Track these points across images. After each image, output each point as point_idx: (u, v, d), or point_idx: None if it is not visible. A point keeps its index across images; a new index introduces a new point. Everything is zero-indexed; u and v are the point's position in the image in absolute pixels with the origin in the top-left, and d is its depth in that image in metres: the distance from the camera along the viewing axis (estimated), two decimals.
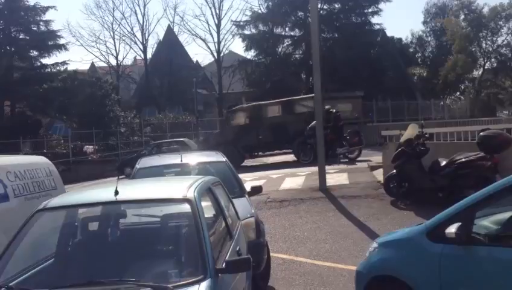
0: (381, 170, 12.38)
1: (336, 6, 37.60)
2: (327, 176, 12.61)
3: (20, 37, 36.63)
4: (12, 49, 36.12)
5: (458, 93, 50.48)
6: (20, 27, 36.25)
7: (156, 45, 44.84)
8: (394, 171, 10.25)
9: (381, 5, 36.87)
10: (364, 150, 19.05)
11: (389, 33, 42.90)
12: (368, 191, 11.44)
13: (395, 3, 70.57)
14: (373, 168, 14.43)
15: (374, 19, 37.65)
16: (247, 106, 22.79)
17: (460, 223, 3.63)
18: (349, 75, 32.78)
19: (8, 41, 35.75)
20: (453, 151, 9.70)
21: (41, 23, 36.75)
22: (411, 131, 10.28)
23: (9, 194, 4.96)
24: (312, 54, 13.81)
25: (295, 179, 14.53)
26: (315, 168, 12.96)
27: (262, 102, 22.75)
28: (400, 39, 49.43)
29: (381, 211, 9.65)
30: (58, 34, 37.56)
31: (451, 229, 3.64)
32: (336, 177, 13.90)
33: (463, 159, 9.22)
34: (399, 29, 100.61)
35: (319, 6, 33.19)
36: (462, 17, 48.04)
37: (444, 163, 9.49)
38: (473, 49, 46.98)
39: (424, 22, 52.16)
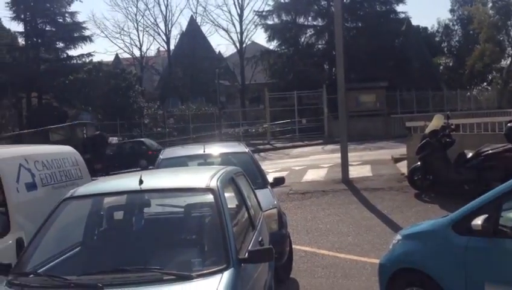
0: (405, 162, 12.24)
1: None
2: (350, 168, 12.53)
3: (47, 28, 37.27)
4: (39, 40, 36.81)
5: (485, 83, 49.34)
6: (47, 19, 36.89)
7: (179, 36, 45.04)
8: (419, 163, 10.12)
9: None
10: (389, 142, 18.86)
11: (414, 22, 42.16)
12: (392, 183, 11.33)
13: None
14: (397, 160, 14.27)
15: (399, 8, 37.02)
16: None
17: (486, 215, 3.56)
18: (373, 66, 32.33)
19: (34, 33, 36.44)
20: (479, 143, 9.52)
21: (66, 14, 37.34)
22: (436, 122, 10.11)
23: (37, 183, 5.06)
24: (335, 44, 13.67)
25: (318, 171, 14.48)
26: (338, 160, 12.89)
27: None
28: (426, 28, 48.50)
29: (405, 203, 9.55)
30: (84, 25, 38.19)
31: (478, 221, 3.58)
32: (359, 169, 13.80)
33: (490, 151, 9.04)
34: (425, 18, 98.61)
35: None
36: (490, 5, 46.77)
37: (470, 155, 9.32)
38: (501, 38, 45.73)
39: (451, 10, 51.01)
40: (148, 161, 21.82)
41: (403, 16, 37.34)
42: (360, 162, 15.28)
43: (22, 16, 36.22)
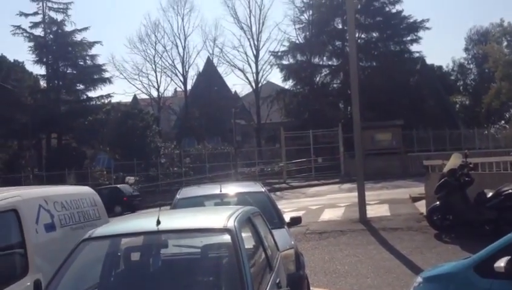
0: (423, 201, 12.06)
1: (374, 35, 37.59)
2: (367, 207, 12.39)
3: (68, 71, 38.36)
4: (60, 83, 37.85)
5: (503, 121, 48.95)
6: (68, 62, 38.04)
7: (195, 77, 45.90)
8: (437, 202, 9.96)
9: (421, 33, 36.65)
10: (406, 181, 18.66)
11: (428, 61, 42.42)
12: (410, 223, 11.14)
13: (434, 30, 70.09)
14: (415, 199, 14.07)
15: (413, 47, 37.39)
16: None
17: (510, 257, 3.48)
18: (389, 104, 32.43)
19: (56, 76, 37.52)
20: (499, 182, 9.37)
21: (87, 57, 38.47)
22: (454, 161, 10.00)
23: (56, 224, 5.10)
24: (350, 83, 13.79)
25: (334, 211, 14.33)
26: (355, 199, 12.76)
27: None
28: (440, 67, 48.75)
29: (425, 244, 9.35)
30: (103, 68, 39.22)
31: (501, 263, 3.49)
32: (377, 208, 13.62)
33: (510, 191, 8.88)
34: (439, 57, 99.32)
35: (357, 35, 33.27)
36: (505, 43, 46.98)
37: (490, 194, 9.16)
38: None
39: (466, 49, 51.36)
40: (123, 207, 22.07)
41: (417, 55, 37.70)
42: (378, 201, 15.10)
43: (45, 60, 37.42)
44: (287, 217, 7.14)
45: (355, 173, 12.97)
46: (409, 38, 37.03)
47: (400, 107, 32.53)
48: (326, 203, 16.29)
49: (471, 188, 9.65)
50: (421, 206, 12.28)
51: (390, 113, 30.73)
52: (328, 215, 13.63)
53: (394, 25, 36.48)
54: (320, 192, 21.27)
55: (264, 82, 42.45)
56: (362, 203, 12.11)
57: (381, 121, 29.27)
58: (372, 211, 12.81)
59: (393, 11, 36.78)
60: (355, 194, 12.57)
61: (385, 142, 28.83)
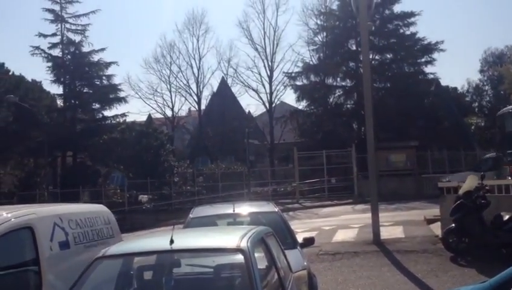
0: (438, 224, 11.90)
1: (388, 56, 37.60)
2: (381, 228, 12.25)
3: (84, 91, 38.93)
4: (77, 102, 38.37)
5: None
6: (85, 81, 38.62)
7: (210, 96, 46.24)
8: (453, 225, 9.82)
9: (435, 55, 36.56)
10: (421, 202, 18.46)
11: (443, 82, 42.26)
12: (425, 245, 10.98)
13: (449, 52, 69.89)
14: (430, 221, 13.88)
15: (428, 69, 37.23)
16: None
17: None
18: (403, 125, 32.25)
19: (72, 95, 38.08)
20: None
21: (104, 77, 39.01)
22: (470, 183, 9.88)
23: (70, 242, 5.14)
24: (364, 104, 13.79)
25: (348, 232, 14.19)
26: (369, 220, 12.63)
27: None
28: (455, 88, 48.57)
29: (440, 267, 9.20)
30: (119, 87, 39.69)
31: None
32: (391, 230, 13.46)
33: None
34: (454, 78, 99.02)
35: (371, 56, 33.34)
36: None
37: (507, 217, 9.03)
38: None
39: (481, 71, 51.18)
40: None
41: (432, 76, 37.52)
42: (392, 222, 14.93)
43: (62, 79, 38.03)
44: (299, 238, 7.10)
45: (369, 194, 12.87)
46: (423, 60, 36.94)
47: (414, 128, 32.31)
48: (340, 224, 16.15)
49: (488, 210, 9.51)
50: (436, 229, 12.11)
51: (404, 134, 30.53)
52: (341, 236, 13.50)
53: (408, 46, 36.46)
54: (334, 213, 21.10)
55: (278, 102, 42.63)
56: (376, 225, 11.99)
57: (396, 142, 29.09)
58: (386, 233, 12.66)
59: (408, 33, 36.82)
60: (369, 215, 12.45)
61: (399, 163, 28.59)
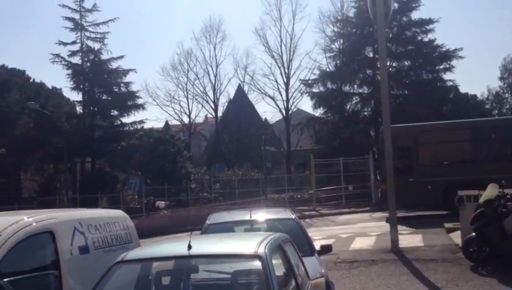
0: (458, 233, 11.72)
1: (406, 63, 37.35)
2: (400, 237, 12.12)
3: (103, 98, 39.46)
4: (95, 109, 38.90)
5: None
6: (103, 89, 39.15)
7: (226, 104, 46.45)
8: (473, 233, 9.67)
9: (454, 62, 36.19)
10: (440, 211, 18.20)
11: (462, 89, 41.75)
12: (445, 254, 10.83)
13: (468, 59, 69.09)
14: (449, 230, 13.68)
15: (446, 76, 36.86)
16: None
17: None
18: None
19: (91, 102, 38.62)
20: None
21: (122, 84, 39.51)
22: (491, 191, 9.73)
23: (90, 247, 5.19)
24: (382, 111, 13.70)
25: (365, 240, 14.07)
26: (387, 228, 12.51)
27: None
28: (475, 95, 47.93)
29: (460, 276, 9.05)
30: (137, 94, 40.14)
31: None
32: (409, 238, 13.31)
33: None
34: (473, 85, 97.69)
35: (388, 63, 33.14)
36: None
37: None
38: None
39: (501, 78, 50.48)
40: None
41: (450, 83, 37.13)
42: (411, 231, 14.75)
43: (81, 86, 38.62)
44: (317, 245, 7.07)
45: (387, 202, 12.74)
46: (441, 67, 36.60)
47: None
48: (357, 231, 16.01)
49: (509, 219, 9.35)
50: (456, 237, 11.94)
51: None
52: (359, 244, 13.39)
53: (426, 53, 36.17)
54: (351, 220, 20.94)
55: (295, 109, 42.60)
56: (394, 233, 11.86)
57: None
58: (405, 241, 12.52)
59: (426, 40, 36.54)
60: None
61: None
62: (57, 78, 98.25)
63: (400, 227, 12.47)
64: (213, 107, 44.83)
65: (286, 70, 41.46)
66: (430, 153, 18.32)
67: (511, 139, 17.49)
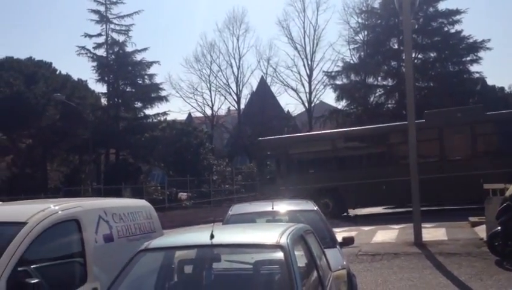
0: (483, 226, 11.55)
1: (431, 55, 36.69)
2: (423, 230, 11.98)
3: (127, 89, 39.88)
4: (120, 100, 39.35)
5: None
6: (127, 81, 39.55)
7: (249, 96, 46.49)
8: (499, 227, 9.51)
9: (481, 54, 35.38)
10: (464, 204, 17.92)
11: (490, 81, 40.78)
12: (469, 248, 10.68)
13: (496, 50, 67.51)
14: (474, 224, 13.48)
15: (473, 68, 36.07)
16: None
17: None
18: None
19: (116, 94, 39.08)
20: None
21: (146, 76, 39.84)
22: None
23: (114, 235, 5.27)
24: (406, 103, 13.52)
25: (388, 233, 13.96)
26: (410, 221, 12.38)
27: None
28: (502, 88, 46.76)
29: (485, 271, 8.92)
30: (161, 86, 40.45)
31: None
32: (433, 232, 13.15)
33: None
34: (501, 78, 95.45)
35: (414, 55, 32.60)
36: None
37: None
38: None
39: None
40: None
41: (477, 75, 36.32)
42: (434, 224, 14.57)
43: (106, 78, 39.10)
44: (338, 237, 7.05)
45: (411, 195, 12.60)
46: (468, 58, 35.82)
47: None
48: (379, 224, 15.90)
49: None
50: (481, 231, 11.76)
51: None
52: (381, 237, 13.30)
53: (453, 45, 35.45)
54: (373, 213, 20.78)
55: (317, 102, 42.38)
56: (417, 226, 11.74)
57: None
58: (428, 235, 12.38)
59: (452, 31, 35.80)
60: (410, 216, 12.20)
61: None
62: (83, 70, 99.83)
63: (422, 220, 12.33)
64: (235, 99, 44.97)
65: (309, 62, 41.31)
66: (297, 162, 20.18)
67: (364, 148, 19.94)
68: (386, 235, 13.56)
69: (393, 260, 10.30)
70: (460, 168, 17.37)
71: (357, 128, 22.41)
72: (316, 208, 7.49)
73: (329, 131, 25.01)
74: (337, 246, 6.56)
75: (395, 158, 18.54)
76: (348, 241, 6.87)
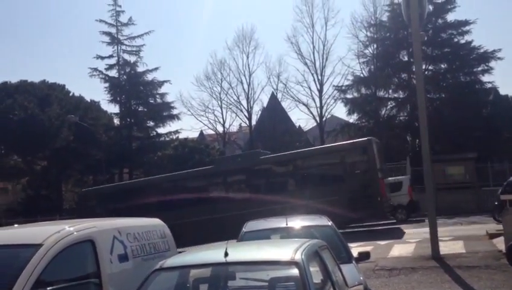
0: (502, 238, 11.33)
1: (442, 66, 36.59)
2: (440, 243, 11.82)
3: (139, 109, 40.30)
4: (132, 120, 39.75)
5: None
6: (139, 100, 40.01)
7: (260, 112, 46.52)
8: None
9: (492, 63, 35.17)
10: (481, 217, 17.70)
11: (502, 91, 40.41)
12: (488, 261, 10.49)
13: (508, 60, 66.95)
14: (492, 235, 13.26)
15: (485, 78, 35.83)
16: None
17: None
18: (459, 136, 31.14)
19: (128, 114, 39.50)
20: None
21: (157, 96, 40.28)
22: None
23: (129, 255, 5.27)
24: (419, 115, 13.45)
25: (405, 246, 13.78)
26: (426, 235, 12.22)
27: None
28: None
29: (505, 283, 8.74)
30: (172, 105, 40.80)
31: None
32: (451, 245, 12.96)
33: None
34: None
35: (424, 67, 32.54)
36: None
37: None
38: None
39: None
40: None
41: (489, 85, 36.05)
42: (451, 237, 14.36)
43: (118, 99, 39.58)
44: (354, 252, 6.96)
45: (426, 208, 12.46)
46: (479, 68, 35.62)
47: (471, 140, 31.10)
48: (396, 238, 15.71)
49: None
50: (500, 243, 11.55)
51: (461, 146, 29.44)
52: (398, 251, 13.12)
53: (463, 55, 35.33)
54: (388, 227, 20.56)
55: (328, 116, 42.29)
56: (435, 239, 11.57)
57: (452, 154, 28.10)
58: (446, 248, 12.19)
59: (462, 41, 35.70)
60: (426, 229, 12.05)
61: (457, 176, 27.55)
62: (95, 91, 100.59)
63: (440, 233, 12.16)
64: (247, 115, 45.04)
65: (319, 77, 41.29)
66: (112, 210, 19.90)
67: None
68: (402, 249, 13.38)
69: (411, 274, 10.14)
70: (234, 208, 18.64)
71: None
72: (330, 223, 7.42)
73: (148, 178, 27.44)
74: (353, 262, 6.48)
75: (210, 198, 20.05)
76: (364, 257, 6.78)
